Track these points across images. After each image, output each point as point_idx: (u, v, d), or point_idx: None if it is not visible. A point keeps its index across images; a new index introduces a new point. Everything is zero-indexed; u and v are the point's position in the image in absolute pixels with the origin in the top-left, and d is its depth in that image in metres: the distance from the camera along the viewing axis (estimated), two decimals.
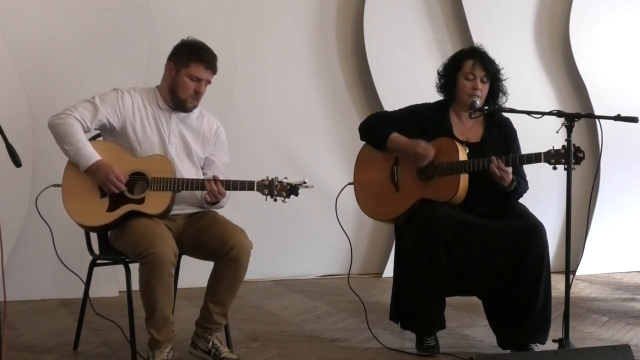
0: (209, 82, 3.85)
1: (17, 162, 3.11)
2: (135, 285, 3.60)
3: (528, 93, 6.04)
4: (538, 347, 3.89)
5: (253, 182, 3.72)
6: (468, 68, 4.04)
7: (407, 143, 4.03)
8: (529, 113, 3.82)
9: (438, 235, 3.80)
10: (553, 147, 3.76)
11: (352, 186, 4.25)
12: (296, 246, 6.02)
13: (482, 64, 4.04)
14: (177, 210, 3.79)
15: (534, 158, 3.83)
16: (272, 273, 5.92)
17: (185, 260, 3.97)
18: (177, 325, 3.70)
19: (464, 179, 3.92)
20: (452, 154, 3.95)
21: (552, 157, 3.75)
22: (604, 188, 6.22)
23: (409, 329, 4.07)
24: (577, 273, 5.72)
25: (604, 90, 6.23)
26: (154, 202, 3.69)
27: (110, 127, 3.79)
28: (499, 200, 4.00)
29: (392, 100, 5.61)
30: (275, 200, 3.72)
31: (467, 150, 3.98)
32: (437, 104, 4.18)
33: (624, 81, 6.31)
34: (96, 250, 3.96)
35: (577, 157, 3.70)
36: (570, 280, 3.73)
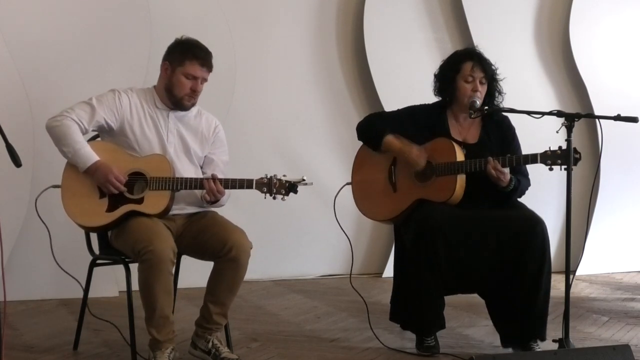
0: (205, 79, 3.84)
1: (17, 162, 3.11)
2: (135, 286, 3.60)
3: (528, 93, 6.04)
4: (539, 345, 3.89)
5: (252, 180, 3.72)
6: (467, 70, 4.04)
7: (400, 148, 4.03)
8: (529, 113, 3.82)
9: (436, 235, 3.80)
10: (549, 147, 3.76)
11: (350, 186, 4.25)
12: (296, 246, 6.01)
13: (481, 65, 4.04)
14: (176, 210, 3.79)
15: (530, 159, 3.83)
16: (272, 273, 5.92)
17: (185, 260, 3.97)
18: (177, 325, 3.70)
19: (460, 179, 3.92)
20: (449, 154, 3.95)
21: (548, 158, 3.75)
22: (604, 188, 6.22)
23: (409, 329, 4.07)
24: (577, 273, 5.71)
25: (604, 90, 6.23)
26: (153, 202, 3.69)
27: (108, 128, 3.79)
28: (499, 199, 3.99)
29: (392, 100, 5.61)
30: (274, 198, 3.72)
31: (465, 151, 3.99)
32: (435, 104, 4.18)
33: (624, 81, 6.31)
34: (96, 250, 3.96)
35: (574, 159, 3.70)
36: (570, 280, 3.73)
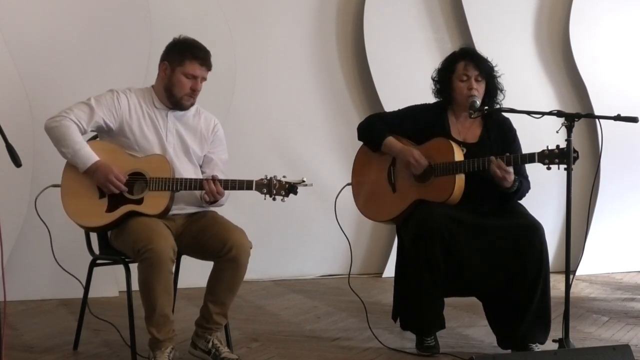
0: (204, 78, 3.84)
1: (17, 162, 3.11)
2: (135, 285, 3.59)
3: (528, 93, 6.04)
4: (538, 347, 3.89)
5: (252, 181, 3.72)
6: (461, 69, 4.05)
7: (400, 150, 4.03)
8: (529, 113, 3.82)
9: (435, 235, 3.80)
10: (547, 147, 3.76)
11: (350, 187, 4.25)
12: (296, 246, 6.02)
13: (474, 63, 4.05)
14: (176, 210, 3.79)
15: (528, 158, 3.83)
16: (272, 273, 5.92)
17: (185, 260, 3.97)
18: (177, 325, 3.70)
19: (459, 179, 3.92)
20: (447, 154, 3.95)
21: (546, 158, 3.75)
22: (604, 188, 6.22)
23: (409, 329, 4.07)
24: (577, 273, 5.71)
25: (604, 90, 6.23)
26: (153, 202, 3.69)
27: (107, 129, 3.78)
28: (501, 200, 3.99)
29: (392, 100, 5.61)
30: (274, 199, 3.72)
31: (464, 151, 3.98)
32: (435, 104, 4.19)
33: (624, 81, 6.31)
34: (96, 250, 3.96)
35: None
36: (570, 280, 3.73)
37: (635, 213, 6.41)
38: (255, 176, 3.73)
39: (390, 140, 4.07)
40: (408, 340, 4.12)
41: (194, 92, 3.82)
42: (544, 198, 5.97)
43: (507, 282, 3.87)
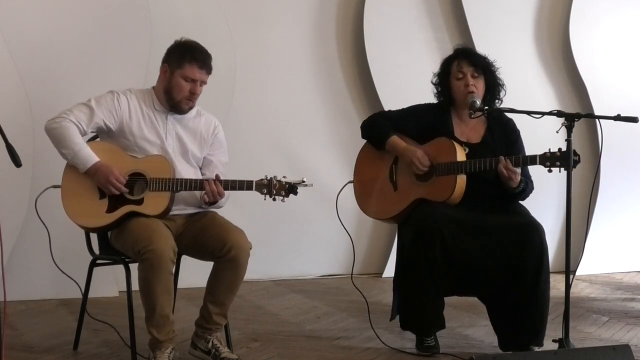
0: (204, 82, 3.83)
1: (17, 162, 3.11)
2: (135, 286, 3.60)
3: (528, 93, 6.04)
4: (538, 348, 3.89)
5: (252, 181, 3.71)
6: (455, 68, 4.07)
7: (404, 149, 4.04)
8: (529, 113, 3.82)
9: (435, 235, 3.80)
10: (549, 149, 3.76)
11: (352, 184, 4.25)
12: (296, 246, 6.01)
13: (467, 60, 4.06)
14: (176, 210, 3.79)
15: (530, 160, 3.83)
16: (272, 273, 5.92)
17: (185, 260, 3.97)
18: (177, 325, 3.70)
19: (460, 179, 3.92)
20: (449, 154, 3.95)
21: (547, 160, 3.74)
22: (604, 188, 6.21)
23: (409, 329, 4.07)
24: (577, 273, 5.71)
25: (604, 90, 6.23)
26: (153, 203, 3.69)
27: (107, 130, 3.78)
28: (505, 199, 3.99)
29: (392, 100, 5.60)
30: (274, 199, 3.72)
31: (467, 151, 3.98)
32: (439, 104, 4.19)
33: (624, 81, 6.31)
34: (96, 251, 3.96)
35: (573, 161, 3.69)
36: (570, 280, 3.72)
37: (635, 213, 6.41)
38: (255, 176, 3.73)
39: (394, 138, 4.07)
40: (408, 340, 4.12)
41: (192, 96, 3.81)
42: (544, 198, 5.96)
43: (507, 281, 3.86)
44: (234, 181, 3.71)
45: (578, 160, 3.70)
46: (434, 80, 4.19)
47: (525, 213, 4.00)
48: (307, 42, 6.02)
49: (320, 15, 6.03)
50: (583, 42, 6.26)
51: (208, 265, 3.77)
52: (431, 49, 6.10)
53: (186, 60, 3.77)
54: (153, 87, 3.91)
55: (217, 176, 3.72)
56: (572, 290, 4.56)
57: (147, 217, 3.66)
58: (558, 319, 3.87)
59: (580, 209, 5.25)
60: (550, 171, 3.77)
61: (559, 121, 3.75)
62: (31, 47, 5.01)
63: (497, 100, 4.13)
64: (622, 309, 5.04)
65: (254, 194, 3.75)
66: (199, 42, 3.89)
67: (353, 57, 6.14)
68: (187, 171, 3.84)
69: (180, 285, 4.20)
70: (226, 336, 3.90)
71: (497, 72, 4.11)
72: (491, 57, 4.15)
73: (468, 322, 4.63)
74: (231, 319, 3.94)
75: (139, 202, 3.70)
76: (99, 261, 3.94)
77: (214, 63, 3.87)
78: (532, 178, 4.10)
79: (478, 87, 4.04)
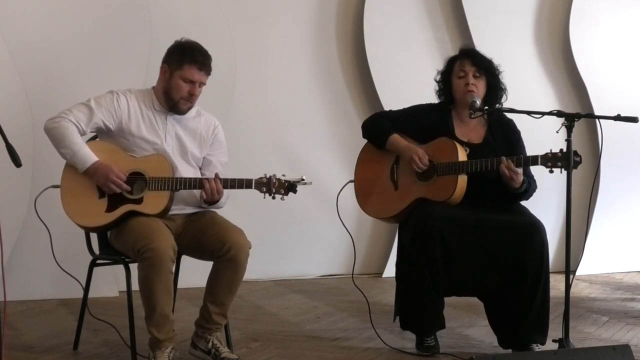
0: (203, 83, 3.82)
1: (17, 162, 3.11)
2: (135, 285, 3.59)
3: (528, 93, 6.04)
4: (539, 347, 3.89)
5: (251, 180, 3.71)
6: (457, 67, 4.08)
7: (405, 148, 4.04)
8: (529, 113, 3.82)
9: (435, 235, 3.80)
10: (551, 150, 3.76)
11: (353, 184, 4.25)
12: (296, 246, 6.01)
13: (470, 60, 4.07)
14: (176, 210, 3.79)
15: (531, 160, 3.83)
16: (272, 273, 5.92)
17: (185, 260, 3.97)
18: (177, 325, 3.70)
19: (461, 179, 3.92)
20: (451, 154, 3.95)
21: (548, 160, 3.75)
22: (604, 188, 6.22)
23: (409, 329, 4.07)
24: (577, 273, 5.71)
25: (604, 90, 6.23)
26: (153, 202, 3.69)
27: (107, 130, 3.78)
28: (504, 200, 3.98)
29: (392, 100, 5.60)
30: (273, 197, 3.71)
31: (468, 151, 3.99)
32: (440, 104, 4.20)
33: (624, 81, 6.31)
34: (96, 250, 3.96)
35: (574, 162, 3.69)
36: (570, 280, 3.73)
37: (635, 213, 6.41)
38: (255, 176, 3.73)
39: (395, 137, 4.07)
40: (408, 340, 4.12)
41: (191, 97, 3.81)
42: (544, 198, 5.94)
43: (507, 281, 3.87)
44: (233, 179, 3.71)
45: (579, 160, 3.70)
46: (437, 78, 4.19)
47: (526, 212, 4.00)
48: (307, 42, 6.02)
49: (320, 15, 6.03)
50: (583, 42, 6.26)
51: (208, 265, 3.77)
52: (431, 49, 6.10)
53: (186, 62, 3.77)
54: (153, 88, 3.91)
55: (216, 174, 3.72)
56: (572, 290, 4.56)
57: (147, 217, 3.66)
58: (558, 319, 3.87)
59: (580, 208, 5.25)
60: (551, 172, 3.77)
61: (559, 121, 3.75)
62: (31, 47, 5.00)
63: (497, 105, 4.12)
64: (622, 309, 5.04)
65: (253, 193, 3.74)
66: (199, 42, 3.88)
67: (353, 57, 6.14)
68: (186, 171, 3.84)
69: (180, 285, 4.20)
70: (226, 336, 3.90)
71: (500, 76, 4.11)
72: (491, 57, 4.14)
73: (468, 322, 4.63)
74: (231, 319, 3.94)
75: (139, 201, 3.69)
76: (99, 261, 3.94)
77: (214, 63, 3.86)
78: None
79: (478, 88, 4.04)
